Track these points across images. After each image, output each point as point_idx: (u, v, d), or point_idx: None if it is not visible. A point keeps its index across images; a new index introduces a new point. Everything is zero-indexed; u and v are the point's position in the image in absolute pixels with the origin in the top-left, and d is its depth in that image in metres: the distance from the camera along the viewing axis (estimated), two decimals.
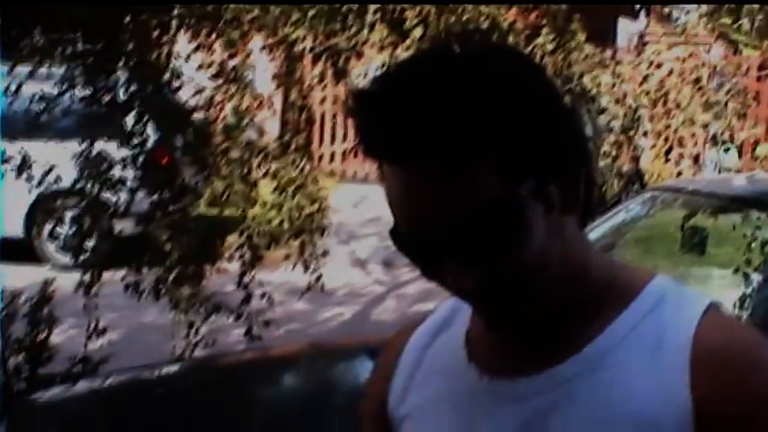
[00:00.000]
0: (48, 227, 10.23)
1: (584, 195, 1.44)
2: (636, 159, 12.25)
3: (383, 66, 7.33)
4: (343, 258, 11.81)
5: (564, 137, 1.42)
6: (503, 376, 1.50)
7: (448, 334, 1.60)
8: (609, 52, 11.62)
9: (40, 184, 6.43)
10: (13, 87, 6.39)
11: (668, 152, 12.05)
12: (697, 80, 11.28)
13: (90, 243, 6.73)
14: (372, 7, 7.20)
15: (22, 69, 6.51)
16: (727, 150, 12.00)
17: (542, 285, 1.41)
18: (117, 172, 6.39)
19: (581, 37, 8.85)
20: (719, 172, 12.29)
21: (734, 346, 1.42)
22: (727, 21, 11.47)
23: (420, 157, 1.33)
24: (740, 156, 12.06)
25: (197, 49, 6.93)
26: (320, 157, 14.13)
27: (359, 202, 12.74)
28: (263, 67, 7.50)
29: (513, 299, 1.40)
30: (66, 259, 10.35)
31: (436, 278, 1.42)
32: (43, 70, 6.46)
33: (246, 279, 6.62)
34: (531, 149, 1.36)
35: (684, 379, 1.39)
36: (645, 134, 11.49)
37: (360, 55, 6.86)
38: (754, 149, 11.70)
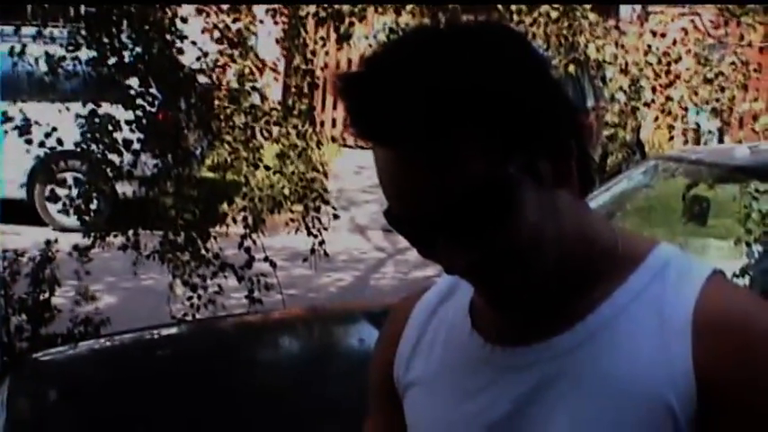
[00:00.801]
0: (49, 188, 10.25)
1: (580, 167, 1.43)
2: (637, 129, 12.25)
3: (385, 29, 7.33)
4: (343, 224, 11.84)
5: (552, 111, 1.41)
6: (505, 345, 1.50)
7: (452, 303, 1.61)
8: (612, 22, 11.60)
9: (42, 145, 6.44)
10: (17, 48, 6.39)
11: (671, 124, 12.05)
12: (698, 53, 11.27)
13: (93, 206, 6.74)
14: None
15: (27, 30, 6.51)
16: (698, 113, 12.03)
17: (538, 259, 1.41)
18: (121, 134, 6.39)
19: (586, 5, 8.83)
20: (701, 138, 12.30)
21: (735, 313, 1.42)
22: None
23: (406, 138, 1.33)
24: (728, 124, 12.07)
25: (201, 13, 6.93)
26: (322, 123, 14.13)
27: (360, 169, 12.75)
28: (266, 32, 7.47)
29: (509, 275, 1.41)
30: (68, 221, 10.40)
31: (430, 256, 1.43)
32: (46, 32, 6.45)
33: (248, 243, 6.63)
34: (518, 125, 1.36)
35: (686, 346, 1.39)
36: (647, 105, 11.48)
37: (363, 18, 6.84)
38: (755, 121, 11.69)
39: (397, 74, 1.34)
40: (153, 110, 6.40)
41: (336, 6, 6.94)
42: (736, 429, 1.37)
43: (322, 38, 7.53)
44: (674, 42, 11.21)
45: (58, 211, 10.56)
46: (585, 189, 1.48)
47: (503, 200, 1.35)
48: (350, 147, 14.03)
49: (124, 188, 6.85)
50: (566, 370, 1.44)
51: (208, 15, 6.94)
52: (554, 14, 8.51)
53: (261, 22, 7.23)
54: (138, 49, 6.30)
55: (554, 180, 1.40)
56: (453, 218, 1.35)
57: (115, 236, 6.40)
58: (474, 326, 1.55)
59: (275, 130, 7.07)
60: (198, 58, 6.75)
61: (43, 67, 6.41)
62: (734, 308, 1.42)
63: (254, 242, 6.65)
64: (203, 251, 6.38)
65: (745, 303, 1.45)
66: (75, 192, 6.90)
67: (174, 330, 4.96)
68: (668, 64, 10.62)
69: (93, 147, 6.38)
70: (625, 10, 13.85)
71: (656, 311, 1.43)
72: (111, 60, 6.26)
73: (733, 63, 10.84)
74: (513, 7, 8.10)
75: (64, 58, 6.31)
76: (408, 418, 1.61)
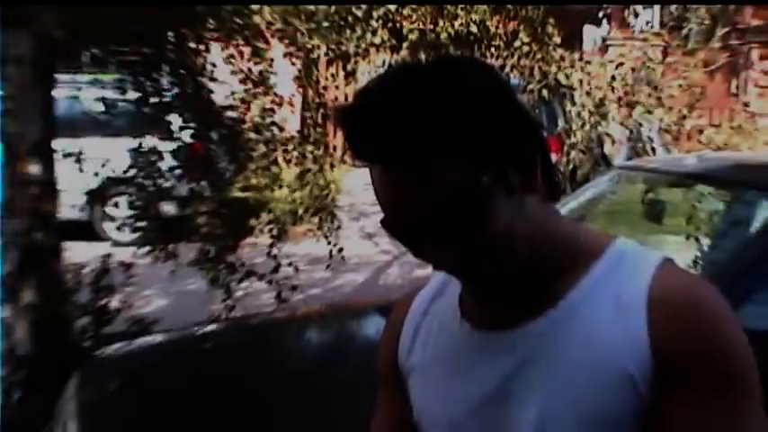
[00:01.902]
0: (106, 209, 10.30)
1: (545, 175, 1.44)
2: (602, 144, 12.24)
3: (384, 65, 7.35)
4: (355, 232, 11.84)
5: (517, 129, 1.43)
6: (489, 332, 1.51)
7: (444, 298, 1.62)
8: (577, 54, 11.60)
9: (96, 174, 6.48)
10: (73, 93, 6.43)
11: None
12: (650, 81, 11.28)
13: (142, 224, 6.76)
14: (375, 15, 7.21)
15: (81, 78, 6.56)
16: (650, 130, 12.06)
17: (512, 255, 1.41)
18: (163, 163, 6.42)
19: (556, 39, 8.84)
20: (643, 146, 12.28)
21: (683, 293, 1.42)
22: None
23: (394, 159, 1.35)
24: (678, 138, 12.10)
25: (228, 58, 6.96)
26: (334, 147, 14.09)
27: (367, 186, 12.70)
28: (284, 72, 7.50)
29: (487, 269, 1.42)
30: (121, 237, 10.42)
31: (420, 256, 1.44)
32: (87, 78, 6.50)
33: (274, 251, 6.65)
34: (489, 144, 1.38)
35: (643, 322, 1.40)
36: (611, 122, 11.47)
37: (366, 56, 6.88)
38: (700, 134, 11.72)
39: (384, 105, 1.36)
40: (189, 141, 6.43)
41: (343, 48, 6.96)
42: (687, 391, 1.37)
43: (332, 74, 7.55)
44: (633, 70, 11.21)
45: (116, 229, 10.69)
46: (553, 194, 1.49)
47: (478, 206, 1.37)
48: (358, 167, 14.00)
49: (168, 208, 6.86)
50: (541, 349, 1.45)
51: (234, 58, 6.97)
52: (526, 49, 8.54)
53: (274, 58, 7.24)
54: (175, 90, 6.33)
55: (522, 187, 1.41)
56: (436, 223, 1.37)
57: (161, 249, 6.42)
58: (462, 316, 1.56)
59: (294, 155, 7.09)
60: (226, 97, 6.79)
61: (96, 107, 6.45)
62: (682, 288, 1.43)
63: (279, 250, 6.67)
64: (233, 260, 6.40)
65: (691, 284, 1.45)
66: (127, 212, 6.93)
67: (212, 327, 4.97)
68: (626, 89, 10.64)
69: (140, 174, 6.42)
70: (587, 43, 13.87)
71: (615, 295, 1.43)
72: (153, 100, 6.29)
73: (680, 86, 10.84)
74: (495, 41, 8.11)
75: (116, 101, 6.36)
76: (412, 397, 1.62)
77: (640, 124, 11.41)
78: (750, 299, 3.04)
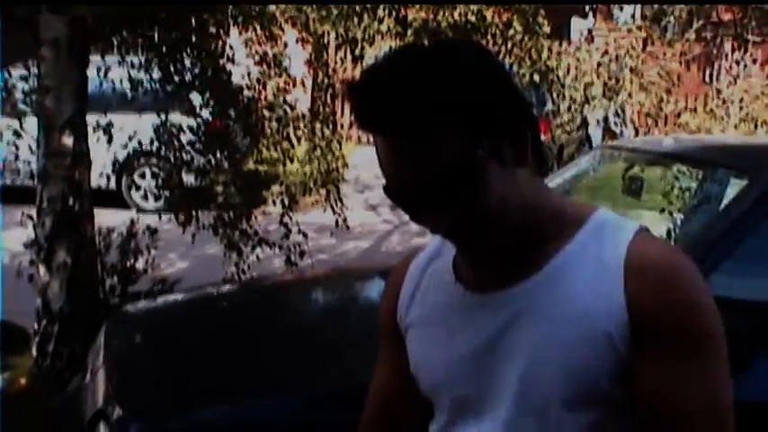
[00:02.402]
0: (134, 179, 10.30)
1: (534, 151, 1.45)
2: (586, 126, 12.24)
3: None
4: (360, 203, 11.85)
5: (512, 108, 1.43)
6: (481, 292, 1.51)
7: (439, 262, 1.61)
8: (565, 45, 11.58)
9: (125, 147, 6.48)
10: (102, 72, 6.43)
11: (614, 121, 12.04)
12: (633, 68, 11.26)
13: (166, 193, 6.78)
14: (381, 5, 7.18)
15: (109, 58, 6.55)
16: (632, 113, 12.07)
17: (503, 222, 1.42)
18: (185, 137, 6.42)
19: (546, 29, 8.81)
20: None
21: (659, 256, 1.43)
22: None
23: (396, 129, 1.35)
24: (656, 121, 12.08)
25: (246, 42, 6.95)
26: (342, 125, 14.07)
27: (372, 161, 12.70)
28: (296, 56, 7.48)
29: (480, 234, 1.42)
30: (146, 204, 10.43)
31: (419, 221, 1.44)
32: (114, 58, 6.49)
33: (285, 220, 6.65)
34: (485, 119, 1.38)
35: (620, 285, 1.40)
36: (595, 107, 11.47)
37: (372, 43, 6.86)
38: (678, 118, 11.70)
39: (390, 80, 1.36)
40: (209, 118, 6.43)
41: (351, 34, 6.95)
42: (659, 349, 1.38)
43: (341, 59, 7.54)
44: (617, 58, 11.19)
45: (141, 197, 10.70)
46: (541, 168, 1.49)
47: (474, 176, 1.37)
48: (364, 144, 14.00)
49: (189, 179, 6.85)
50: (529, 307, 1.46)
51: (251, 42, 6.97)
52: (518, 37, 8.52)
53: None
54: (197, 71, 6.32)
55: (514, 161, 1.42)
56: (435, 190, 1.37)
57: (182, 216, 6.42)
58: (456, 278, 1.56)
59: (304, 131, 7.09)
60: (243, 77, 6.77)
61: (124, 86, 6.44)
62: (657, 255, 1.43)
63: (291, 218, 6.67)
64: (246, 227, 6.41)
65: (665, 251, 1.46)
66: (152, 182, 6.94)
67: (227, 287, 4.98)
68: (610, 76, 10.63)
69: (164, 147, 6.42)
70: (575, 34, 13.82)
71: (596, 260, 1.44)
72: (176, 79, 6.28)
73: (659, 74, 10.82)
74: (491, 30, 8.09)
75: (141, 80, 6.35)
76: (410, 350, 1.62)
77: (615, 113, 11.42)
78: (718, 269, 3.05)
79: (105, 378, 3.36)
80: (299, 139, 7.20)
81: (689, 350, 1.39)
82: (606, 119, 11.71)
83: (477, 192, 1.38)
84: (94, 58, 6.11)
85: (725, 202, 3.67)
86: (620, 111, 11.45)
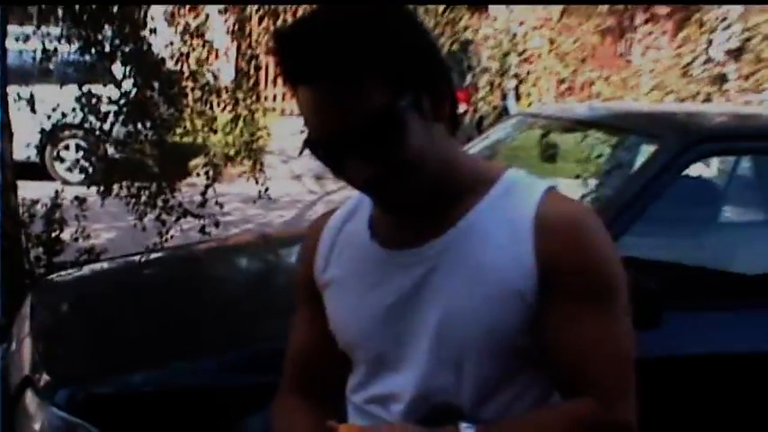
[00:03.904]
0: (56, 151, 10.12)
1: (450, 109, 1.47)
2: (505, 96, 12.34)
3: None
4: (284, 174, 11.81)
5: (433, 64, 1.45)
6: (397, 249, 1.53)
7: (355, 220, 1.62)
8: (485, 15, 11.63)
9: (49, 117, 6.34)
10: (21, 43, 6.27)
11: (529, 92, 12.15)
12: (552, 39, 11.37)
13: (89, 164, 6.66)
14: None
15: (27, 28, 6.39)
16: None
17: (420, 176, 1.43)
18: (108, 108, 6.30)
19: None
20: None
21: (567, 212, 1.46)
22: None
23: (324, 78, 1.36)
24: (571, 89, 12.25)
25: (169, 12, 6.83)
26: (266, 97, 13.95)
27: (296, 132, 12.64)
28: (220, 27, 7.38)
29: (398, 187, 1.43)
30: (70, 176, 10.23)
31: (339, 173, 1.45)
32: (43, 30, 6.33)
33: (210, 192, 6.59)
34: (409, 69, 1.39)
35: (530, 242, 1.44)
36: (514, 76, 11.55)
37: (295, 14, 6.80)
38: (591, 87, 11.89)
39: (317, 31, 1.37)
40: (132, 89, 6.32)
41: (273, 6, 6.87)
42: (566, 297, 1.42)
43: (265, 28, 7.45)
44: (534, 28, 11.27)
45: (65, 170, 10.50)
46: (454, 128, 1.51)
47: (395, 125, 1.38)
48: (288, 115, 13.93)
49: (112, 150, 6.73)
50: (442, 263, 1.48)
51: (173, 15, 6.85)
52: (441, 8, 8.55)
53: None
54: (117, 41, 6.19)
55: (432, 115, 1.43)
56: (357, 139, 1.38)
57: (106, 188, 6.32)
58: (372, 236, 1.57)
59: (227, 101, 7.01)
60: (165, 46, 6.67)
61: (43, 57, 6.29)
62: (565, 211, 1.47)
63: (214, 190, 6.61)
64: (170, 197, 6.32)
65: (573, 208, 1.50)
66: (76, 155, 6.79)
67: (152, 255, 4.92)
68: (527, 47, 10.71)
69: (87, 119, 6.30)
70: (492, 9, 13.87)
71: (507, 217, 1.47)
72: (94, 50, 6.15)
73: (574, 42, 10.93)
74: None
75: (56, 50, 6.21)
76: (328, 309, 1.63)
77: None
78: (629, 231, 3.12)
79: (32, 346, 3.31)
80: (222, 109, 7.11)
81: (593, 297, 1.43)
82: (518, 88, 11.83)
83: (399, 141, 1.39)
84: (13, 29, 5.96)
85: (636, 166, 3.73)
86: (535, 80, 11.57)
